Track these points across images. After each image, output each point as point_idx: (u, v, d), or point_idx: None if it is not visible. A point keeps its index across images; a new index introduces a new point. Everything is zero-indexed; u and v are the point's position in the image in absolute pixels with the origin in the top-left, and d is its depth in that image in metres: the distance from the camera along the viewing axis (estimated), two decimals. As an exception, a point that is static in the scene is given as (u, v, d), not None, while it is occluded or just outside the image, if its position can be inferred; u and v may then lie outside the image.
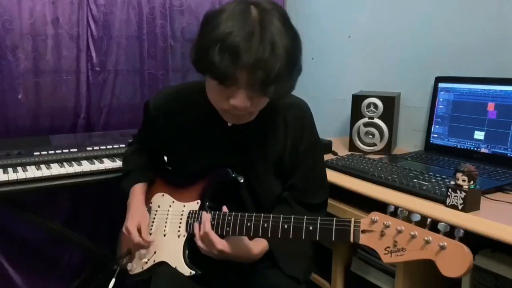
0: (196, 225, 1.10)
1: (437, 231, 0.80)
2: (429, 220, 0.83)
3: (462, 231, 0.78)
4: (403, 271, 1.34)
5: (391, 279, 1.43)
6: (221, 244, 1.04)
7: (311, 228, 0.94)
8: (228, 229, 1.06)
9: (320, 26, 2.25)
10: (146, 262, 1.20)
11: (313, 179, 1.22)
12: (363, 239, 0.88)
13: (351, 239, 0.89)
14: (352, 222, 0.89)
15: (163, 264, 1.16)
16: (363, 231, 0.88)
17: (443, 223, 0.80)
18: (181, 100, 1.20)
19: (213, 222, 1.09)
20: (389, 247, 0.84)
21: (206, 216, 1.07)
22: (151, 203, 1.30)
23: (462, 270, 0.75)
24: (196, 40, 0.97)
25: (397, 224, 0.83)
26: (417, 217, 0.84)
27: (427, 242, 0.79)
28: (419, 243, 0.80)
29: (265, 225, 1.00)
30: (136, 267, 1.22)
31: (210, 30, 0.92)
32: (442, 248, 0.77)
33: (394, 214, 0.86)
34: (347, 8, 2.09)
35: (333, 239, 0.92)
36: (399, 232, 0.83)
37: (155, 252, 1.20)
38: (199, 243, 1.07)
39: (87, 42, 1.93)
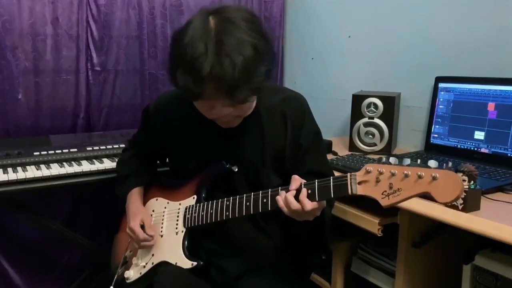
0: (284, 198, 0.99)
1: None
2: (419, 161, 0.87)
3: (450, 162, 0.84)
4: (403, 271, 1.34)
5: (391, 279, 1.43)
6: (311, 205, 0.98)
7: (309, 191, 0.96)
8: (227, 213, 1.07)
9: (320, 26, 2.25)
10: (144, 266, 1.20)
11: (329, 167, 1.26)
12: (360, 190, 0.91)
13: (349, 192, 0.92)
14: (349, 176, 0.92)
15: (163, 265, 1.16)
16: (359, 183, 0.91)
17: (432, 160, 0.85)
18: (180, 102, 1.21)
19: (211, 211, 1.10)
20: (385, 191, 0.87)
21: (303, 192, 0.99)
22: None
23: (455, 194, 0.80)
24: (167, 61, 1.03)
25: (390, 168, 0.87)
26: (407, 161, 0.88)
27: (420, 177, 0.83)
28: (412, 179, 0.84)
29: (265, 200, 1.02)
30: (133, 274, 1.21)
31: (174, 50, 0.99)
32: (434, 178, 0.81)
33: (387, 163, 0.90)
34: (347, 8, 2.09)
35: (332, 195, 0.94)
36: (393, 174, 0.86)
37: (153, 255, 1.20)
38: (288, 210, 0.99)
39: (87, 42, 1.93)
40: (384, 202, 0.87)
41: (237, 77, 0.91)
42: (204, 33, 0.93)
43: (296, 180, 1.00)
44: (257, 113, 1.13)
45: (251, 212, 1.04)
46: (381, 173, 0.87)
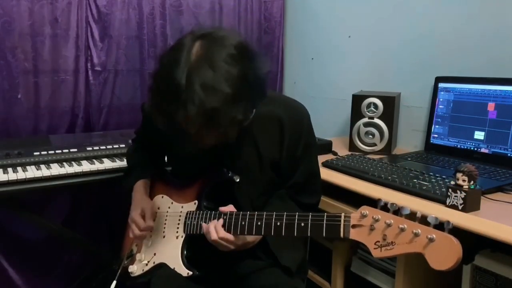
0: (206, 227, 1.08)
1: (427, 224, 0.79)
2: (418, 213, 0.81)
3: (451, 223, 0.77)
4: (403, 271, 1.34)
5: (391, 279, 1.43)
6: (237, 240, 1.05)
7: (302, 224, 0.95)
8: (223, 228, 1.06)
9: (320, 26, 2.25)
10: (146, 264, 1.21)
11: (310, 179, 1.23)
12: (353, 234, 0.87)
13: (341, 235, 0.89)
14: (342, 217, 0.89)
15: (162, 266, 1.17)
16: (353, 226, 0.87)
17: (432, 216, 0.79)
18: None
19: (207, 222, 1.10)
20: (378, 241, 0.83)
21: (218, 223, 1.06)
22: None
23: (451, 263, 0.74)
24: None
25: (386, 217, 0.83)
26: (407, 211, 0.82)
27: (416, 235, 0.78)
28: (408, 236, 0.79)
29: (259, 223, 1.01)
30: (137, 269, 1.22)
31: (155, 75, 0.98)
32: (431, 240, 0.76)
33: (385, 208, 0.85)
34: (347, 8, 2.09)
35: (324, 235, 0.92)
36: (388, 225, 0.82)
37: (154, 254, 1.20)
38: (215, 244, 1.06)
39: (87, 42, 1.93)
40: (376, 253, 0.83)
41: (202, 123, 0.91)
42: (181, 66, 0.91)
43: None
44: (254, 122, 1.11)
45: (245, 233, 1.04)
46: (376, 220, 0.84)
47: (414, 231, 0.78)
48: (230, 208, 1.08)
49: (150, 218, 1.22)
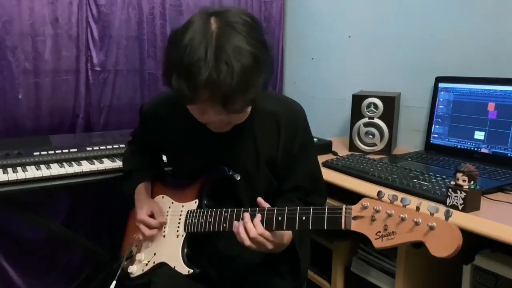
0: (238, 225, 1.03)
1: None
2: (418, 202, 0.82)
3: (452, 211, 0.78)
4: (403, 271, 1.34)
5: (391, 279, 1.43)
6: (274, 237, 1.01)
7: (304, 218, 0.95)
8: (224, 225, 1.07)
9: (320, 26, 2.25)
10: (146, 264, 1.21)
11: (315, 182, 1.23)
12: (354, 226, 0.88)
13: (343, 226, 0.89)
14: (343, 209, 0.90)
15: (162, 266, 1.17)
16: (355, 218, 0.88)
17: (432, 205, 0.80)
18: (173, 104, 1.20)
19: (210, 220, 1.10)
20: (379, 231, 0.83)
21: (257, 218, 1.02)
22: None
23: (451, 250, 0.75)
24: (162, 61, 1.00)
25: (387, 208, 0.83)
26: (407, 201, 0.83)
27: (416, 223, 0.79)
28: (408, 225, 0.80)
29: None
30: (136, 270, 1.22)
31: (171, 52, 0.96)
32: (431, 228, 0.77)
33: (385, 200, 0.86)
34: (347, 8, 2.09)
35: (325, 227, 0.92)
36: (389, 215, 0.82)
37: (154, 254, 1.20)
38: (248, 243, 1.01)
39: (87, 42, 1.93)
40: (377, 244, 0.84)
41: (234, 86, 0.88)
42: (205, 37, 0.90)
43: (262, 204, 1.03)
44: (251, 119, 1.11)
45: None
46: (377, 211, 0.84)
47: (415, 219, 0.79)
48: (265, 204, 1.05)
49: (160, 215, 1.22)
